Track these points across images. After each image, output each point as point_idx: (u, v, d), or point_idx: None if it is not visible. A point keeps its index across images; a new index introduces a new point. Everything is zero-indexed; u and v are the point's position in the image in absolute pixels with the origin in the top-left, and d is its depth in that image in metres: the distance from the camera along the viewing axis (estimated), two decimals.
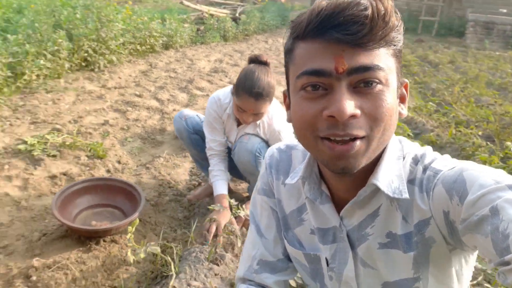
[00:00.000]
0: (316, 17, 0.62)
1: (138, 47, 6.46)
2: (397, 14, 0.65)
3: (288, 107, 0.78)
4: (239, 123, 2.12)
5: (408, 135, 3.56)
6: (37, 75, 4.25)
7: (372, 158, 0.70)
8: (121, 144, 3.15)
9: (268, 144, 2.07)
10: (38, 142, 2.81)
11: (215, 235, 1.94)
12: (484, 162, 2.84)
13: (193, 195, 2.42)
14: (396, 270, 0.78)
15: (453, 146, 3.47)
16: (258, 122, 2.02)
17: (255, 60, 1.93)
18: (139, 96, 4.35)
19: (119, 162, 2.85)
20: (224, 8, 11.86)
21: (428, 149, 0.80)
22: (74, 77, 4.75)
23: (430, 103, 4.90)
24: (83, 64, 5.17)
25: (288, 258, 0.98)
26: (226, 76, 5.67)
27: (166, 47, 7.35)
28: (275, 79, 1.95)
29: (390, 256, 0.78)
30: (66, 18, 5.18)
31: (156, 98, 4.36)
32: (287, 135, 2.02)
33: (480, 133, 3.77)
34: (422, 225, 0.73)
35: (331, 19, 0.61)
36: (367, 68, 0.62)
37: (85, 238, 1.92)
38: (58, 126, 3.18)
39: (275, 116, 2.05)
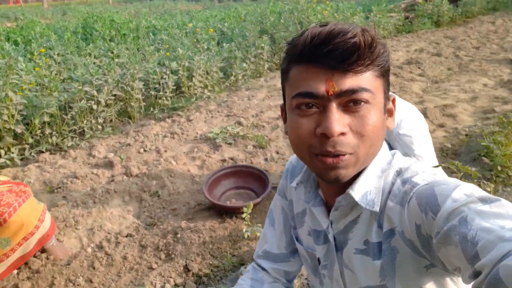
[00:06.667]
0: (310, 44, 0.69)
1: None
2: (381, 40, 0.70)
3: (285, 121, 0.86)
4: None
5: None
6: (242, 76, 5.16)
7: (360, 168, 0.76)
8: (284, 136, 3.54)
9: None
10: (221, 132, 3.53)
11: None
12: None
13: None
14: (367, 276, 0.81)
15: None
16: None
17: None
18: None
19: (277, 152, 3.25)
20: None
21: (415, 163, 0.78)
22: (272, 76, 5.48)
23: None
24: None
25: (291, 252, 1.10)
26: (419, 68, 5.26)
27: None
28: None
29: (363, 262, 0.81)
30: (271, 24, 5.97)
31: None
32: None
33: None
34: (388, 234, 0.75)
35: (322, 46, 0.68)
36: (354, 91, 0.68)
37: (223, 212, 2.39)
38: (241, 119, 3.85)
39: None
